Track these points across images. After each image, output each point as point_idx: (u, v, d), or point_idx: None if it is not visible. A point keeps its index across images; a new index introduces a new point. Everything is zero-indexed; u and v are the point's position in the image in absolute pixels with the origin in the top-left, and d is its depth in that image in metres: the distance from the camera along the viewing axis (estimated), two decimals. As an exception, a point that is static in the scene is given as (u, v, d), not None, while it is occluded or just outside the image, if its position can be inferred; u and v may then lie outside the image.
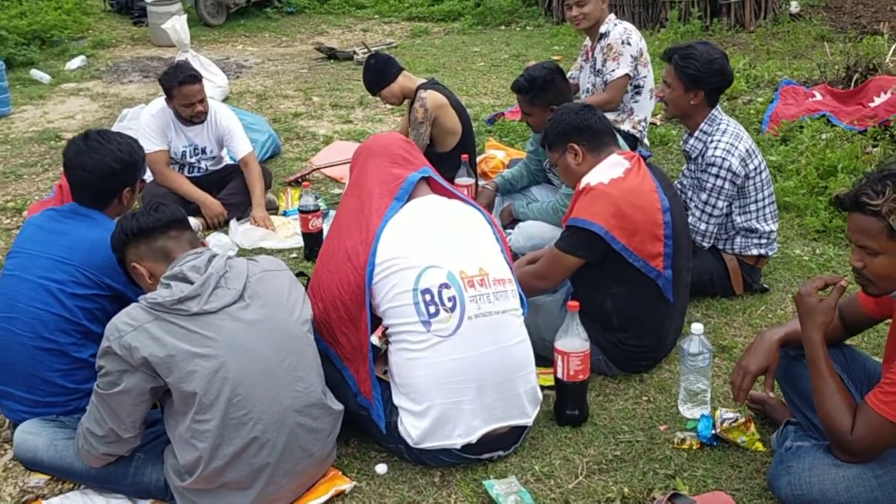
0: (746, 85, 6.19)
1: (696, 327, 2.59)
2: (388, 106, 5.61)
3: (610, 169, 2.78)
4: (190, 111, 4.34)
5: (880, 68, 5.55)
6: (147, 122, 4.42)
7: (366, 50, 8.98)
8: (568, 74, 4.80)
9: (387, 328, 2.42)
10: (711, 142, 3.23)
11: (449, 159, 4.53)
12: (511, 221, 4.06)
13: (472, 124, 4.66)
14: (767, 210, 3.34)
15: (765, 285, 3.45)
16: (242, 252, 4.21)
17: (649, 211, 2.73)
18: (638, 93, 4.42)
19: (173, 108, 4.38)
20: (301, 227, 4.11)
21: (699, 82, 3.22)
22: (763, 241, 3.36)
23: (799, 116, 5.13)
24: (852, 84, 5.54)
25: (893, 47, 5.88)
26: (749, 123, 5.43)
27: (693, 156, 3.33)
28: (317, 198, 4.49)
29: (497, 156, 5.15)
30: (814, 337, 2.03)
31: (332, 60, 9.04)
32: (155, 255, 2.26)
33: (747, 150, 3.25)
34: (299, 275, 3.88)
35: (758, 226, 3.34)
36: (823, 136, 4.79)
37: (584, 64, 4.66)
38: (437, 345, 2.31)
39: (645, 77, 4.41)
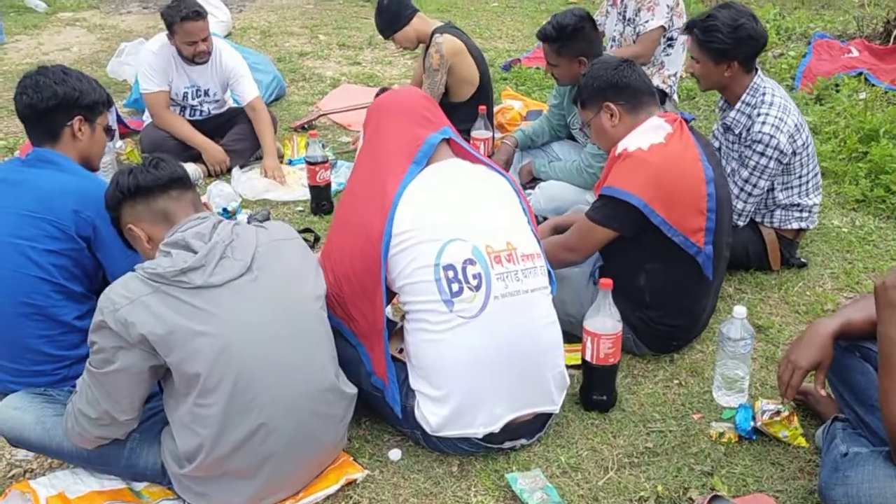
0: (777, 37, 5.87)
1: (739, 311, 2.39)
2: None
3: (650, 133, 2.54)
4: (192, 50, 4.06)
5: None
6: (147, 60, 4.14)
7: (375, -14, 8.59)
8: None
9: (403, 304, 2.22)
10: (758, 115, 2.97)
11: (465, 110, 4.28)
12: (531, 180, 3.83)
13: (489, 73, 4.39)
14: (811, 184, 3.11)
15: (802, 260, 3.24)
16: (245, 204, 3.98)
17: (692, 182, 2.50)
18: (671, 45, 4.14)
19: (175, 46, 4.10)
20: (308, 179, 3.88)
21: (729, 54, 2.94)
22: (805, 214, 3.13)
23: (834, 73, 4.85)
24: (891, 40, 5.23)
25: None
26: (781, 79, 5.14)
27: (736, 130, 3.07)
28: (324, 147, 4.25)
29: (514, 106, 4.88)
30: (892, 335, 1.82)
31: (339, -4, 8.65)
32: (154, 216, 2.04)
33: (796, 125, 3.00)
34: (305, 230, 3.69)
35: (800, 200, 3.11)
36: (861, 96, 4.52)
37: (611, 9, 4.36)
38: (460, 326, 2.11)
39: (678, 29, 4.12)
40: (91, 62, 6.30)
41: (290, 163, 4.44)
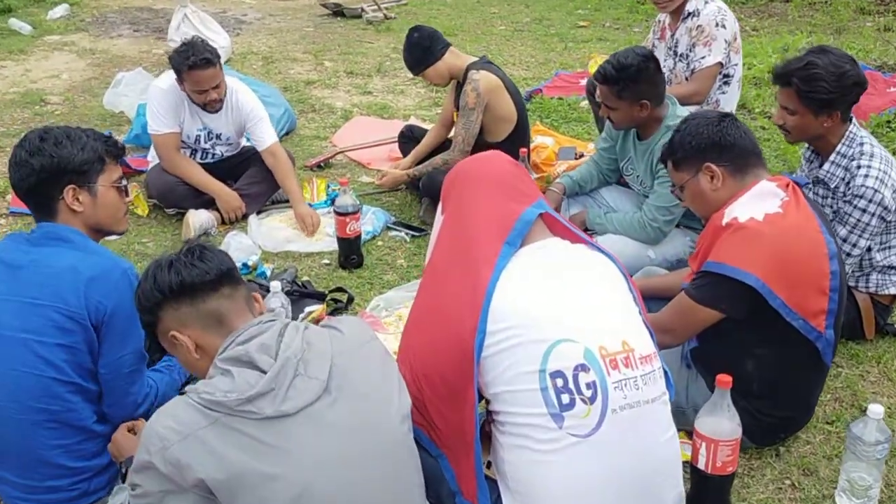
0: (812, 67, 5.59)
1: (875, 410, 2.07)
2: (410, 76, 4.89)
3: (762, 200, 2.22)
4: (203, 98, 3.67)
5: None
6: (157, 99, 3.76)
7: (375, 7, 8.27)
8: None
9: (497, 414, 1.86)
10: (859, 168, 2.66)
11: (501, 150, 3.91)
12: (583, 231, 3.49)
13: (526, 111, 4.06)
14: (907, 241, 2.81)
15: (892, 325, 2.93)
16: (266, 256, 3.61)
17: (814, 258, 2.18)
18: (727, 83, 3.83)
19: (185, 92, 3.72)
20: (337, 230, 3.51)
21: (833, 104, 2.64)
22: (903, 277, 2.83)
23: (886, 109, 4.58)
24: (939, 72, 4.98)
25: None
26: (826, 114, 4.86)
27: (832, 184, 2.76)
28: (356, 198, 3.88)
29: (547, 144, 4.55)
30: None
31: (338, 18, 8.31)
32: (204, 321, 1.67)
33: None
34: (337, 290, 3.33)
35: (898, 261, 2.81)
36: (919, 135, 4.25)
37: (659, 43, 4.05)
38: (572, 447, 1.76)
39: (736, 65, 3.82)
40: (83, 91, 5.90)
41: (311, 206, 4.07)
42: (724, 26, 3.69)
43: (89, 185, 2.09)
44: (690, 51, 3.78)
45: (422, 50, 3.85)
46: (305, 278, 3.44)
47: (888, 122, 4.48)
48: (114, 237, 3.05)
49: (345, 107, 5.64)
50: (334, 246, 3.63)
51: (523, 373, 1.78)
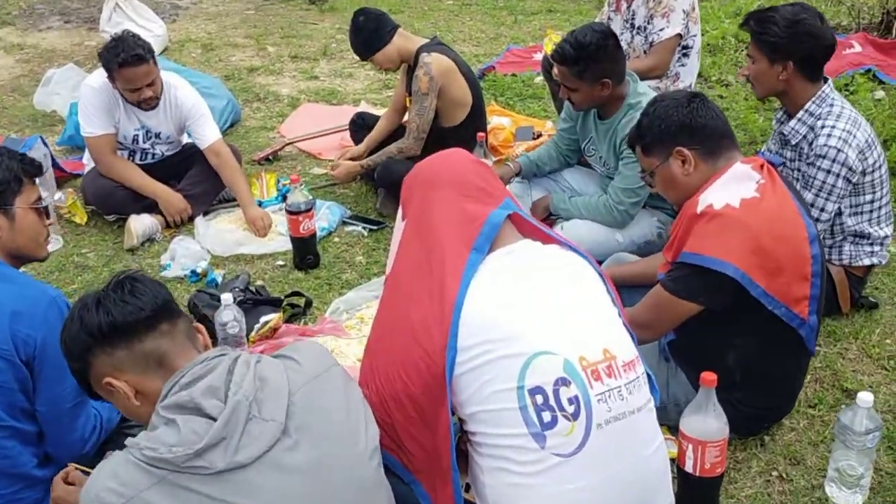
0: (766, 31, 5.52)
1: (865, 398, 1.98)
2: (358, 58, 4.69)
3: (737, 185, 2.10)
4: (136, 97, 3.43)
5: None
6: (88, 99, 3.51)
7: (317, -14, 7.98)
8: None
9: (474, 434, 1.73)
10: (823, 127, 2.59)
11: (457, 135, 3.78)
12: (546, 217, 3.37)
13: (482, 93, 3.90)
14: (883, 211, 2.73)
15: (872, 299, 2.86)
16: (216, 261, 3.42)
17: (795, 242, 2.07)
18: (686, 55, 3.71)
19: (117, 90, 3.48)
20: (290, 230, 3.33)
21: (783, 51, 2.58)
22: (876, 247, 2.76)
23: (843, 71, 4.52)
24: (893, 33, 4.93)
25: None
26: (783, 79, 4.79)
27: (794, 142, 2.68)
28: (306, 191, 3.69)
29: (504, 124, 4.41)
30: None
31: (279, -1, 8.02)
32: (142, 363, 1.50)
33: (867, 141, 2.62)
34: (294, 294, 3.16)
35: (871, 230, 2.73)
36: (878, 96, 4.19)
37: (614, 16, 3.91)
38: (556, 467, 1.64)
39: (695, 36, 3.70)
40: (12, 90, 5.58)
41: (261, 205, 3.87)
42: (681, -5, 3.57)
43: (6, 207, 1.90)
44: (648, 23, 3.65)
45: (369, 34, 3.66)
46: (259, 283, 3.26)
47: (846, 84, 4.41)
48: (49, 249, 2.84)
49: (291, 94, 5.42)
50: (288, 246, 3.45)
51: (500, 391, 1.65)
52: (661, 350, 2.33)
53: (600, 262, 3.12)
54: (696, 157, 2.17)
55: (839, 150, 2.55)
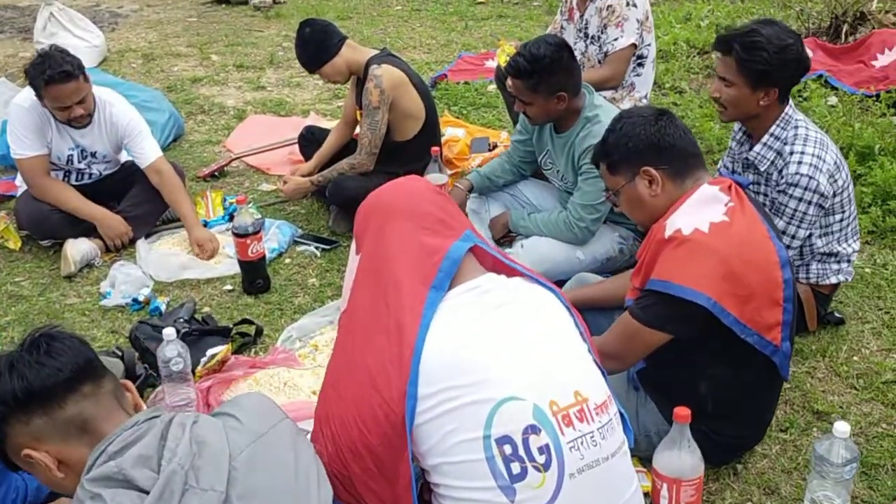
0: (718, 36, 5.50)
1: (841, 428, 1.91)
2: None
3: (705, 207, 2.02)
4: (66, 115, 3.23)
5: (870, 17, 4.96)
6: (18, 119, 3.30)
7: (262, -9, 7.79)
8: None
9: (437, 486, 1.61)
10: (791, 154, 2.51)
11: (410, 150, 3.67)
12: (505, 234, 3.26)
13: (435, 105, 3.79)
14: (850, 228, 2.69)
15: (838, 315, 2.81)
16: (159, 287, 3.24)
17: (766, 267, 2.00)
18: (641, 64, 3.65)
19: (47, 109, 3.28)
20: (238, 253, 3.17)
21: (771, 78, 2.47)
22: (843, 265, 2.71)
23: (795, 78, 4.49)
24: (843, 37, 4.95)
25: (879, -8, 5.30)
26: (737, 86, 4.76)
27: (762, 168, 2.60)
28: (255, 211, 3.54)
29: (458, 136, 4.30)
30: None
31: (223, 5, 7.81)
32: (64, 431, 1.35)
33: (835, 163, 2.56)
34: (244, 322, 3.00)
35: (839, 248, 2.68)
36: (831, 102, 4.18)
37: (567, 25, 3.83)
38: (528, 522, 1.53)
39: (649, 45, 3.63)
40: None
41: (207, 225, 3.70)
42: (634, 5, 3.50)
43: None
44: (602, 32, 3.58)
45: (315, 46, 3.52)
46: (206, 310, 3.10)
47: (799, 91, 4.40)
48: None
49: (237, 105, 5.24)
50: (237, 269, 3.28)
51: (465, 441, 1.53)
52: (629, 379, 2.24)
53: (563, 282, 3.10)
54: (664, 177, 2.08)
55: (811, 178, 2.48)
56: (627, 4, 3.48)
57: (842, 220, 2.64)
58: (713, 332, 1.99)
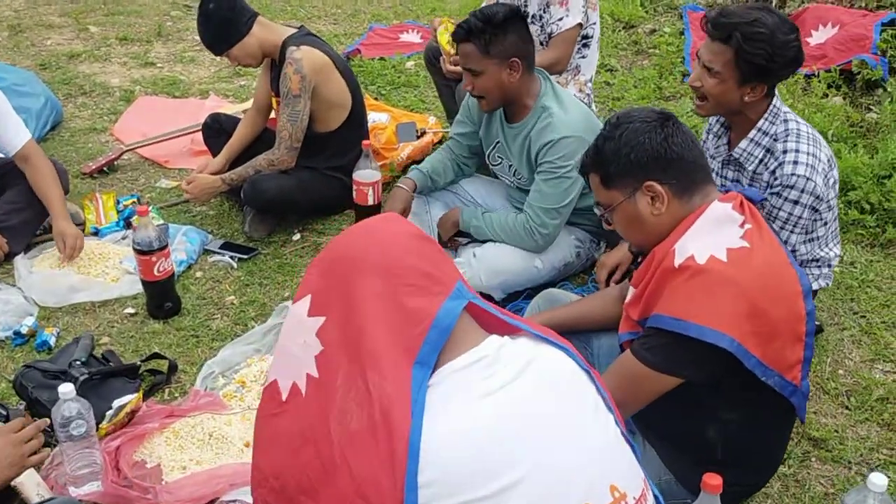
0: (643, 10, 5.28)
1: (878, 481, 1.67)
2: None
3: (719, 230, 1.73)
4: None
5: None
6: None
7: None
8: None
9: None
10: (785, 152, 2.26)
11: (336, 142, 3.27)
12: (455, 235, 2.91)
13: (361, 91, 3.38)
14: (831, 230, 2.48)
15: (815, 322, 2.61)
16: (46, 314, 2.74)
17: (790, 300, 1.73)
18: (586, 45, 3.34)
19: None
20: (141, 273, 2.70)
21: (765, 75, 2.21)
22: (824, 270, 2.51)
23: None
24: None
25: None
26: (671, 64, 4.55)
27: (751, 167, 2.35)
28: (158, 221, 3.06)
29: (383, 122, 3.89)
30: None
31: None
32: None
33: (829, 161, 2.33)
34: (153, 357, 2.54)
35: (821, 253, 2.47)
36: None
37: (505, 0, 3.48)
38: None
39: (594, 24, 3.32)
40: None
41: (98, 233, 3.19)
42: (580, -20, 3.18)
43: None
44: (544, 11, 3.24)
45: (222, 24, 3.04)
46: (106, 341, 2.63)
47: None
48: None
49: (123, 85, 4.64)
50: (139, 286, 2.81)
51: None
52: (626, 422, 1.95)
53: (520, 293, 2.79)
54: (670, 193, 1.77)
55: (808, 179, 2.24)
56: (573, -20, 3.16)
57: (826, 225, 2.43)
58: (729, 372, 1.72)
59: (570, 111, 2.64)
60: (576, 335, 2.27)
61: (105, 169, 3.68)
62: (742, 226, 1.74)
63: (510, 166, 2.87)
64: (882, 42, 4.05)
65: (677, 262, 1.71)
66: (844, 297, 2.79)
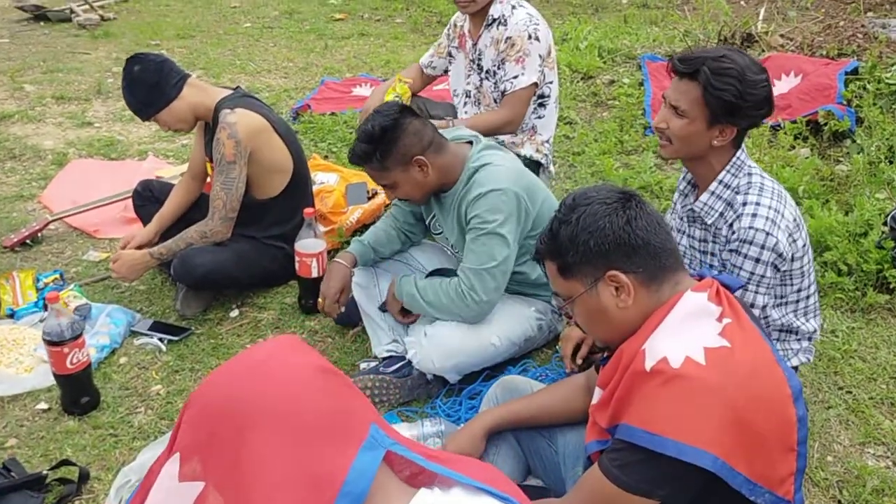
0: (601, 60, 5.15)
1: None
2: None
3: (695, 325, 1.51)
4: None
5: (758, 39, 4.72)
6: None
7: (86, 6, 6.84)
8: (423, 60, 3.44)
9: None
10: (745, 205, 2.08)
11: (276, 210, 3.03)
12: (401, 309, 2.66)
13: (303, 154, 3.14)
14: (811, 301, 2.28)
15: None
16: (-55, 414, 2.43)
17: (779, 405, 1.50)
18: (542, 105, 3.15)
19: None
20: (53, 366, 2.41)
21: (735, 114, 2.03)
22: (804, 343, 2.31)
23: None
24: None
25: (762, 11, 5.08)
26: (631, 116, 4.39)
27: (709, 221, 2.17)
28: (81, 294, 2.78)
29: (331, 184, 3.66)
30: None
31: (41, 23, 6.80)
32: None
33: (795, 220, 2.15)
34: (61, 464, 2.24)
35: (798, 322, 2.27)
36: (735, 136, 3.85)
37: (457, 53, 3.29)
38: None
39: (551, 83, 3.14)
40: None
41: (14, 315, 2.89)
42: (537, 38, 2.99)
43: None
44: (499, 67, 3.05)
45: (148, 88, 2.80)
46: (12, 444, 2.33)
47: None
48: None
49: (56, 147, 4.37)
50: (51, 379, 2.51)
51: None
52: None
53: (478, 373, 2.54)
54: (636, 283, 1.55)
55: (768, 234, 2.05)
56: (529, 38, 2.97)
57: (800, 291, 2.22)
58: (712, 489, 1.48)
59: (499, 164, 2.42)
60: (539, 431, 2.05)
61: (28, 241, 3.39)
62: (720, 320, 1.52)
63: (447, 239, 2.66)
64: (847, 92, 3.94)
65: (648, 364, 1.48)
66: (827, 369, 2.59)
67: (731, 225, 2.12)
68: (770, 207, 2.08)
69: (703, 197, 2.18)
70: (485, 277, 2.40)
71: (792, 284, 2.22)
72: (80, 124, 4.67)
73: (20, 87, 5.19)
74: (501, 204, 2.36)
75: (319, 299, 2.69)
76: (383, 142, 2.37)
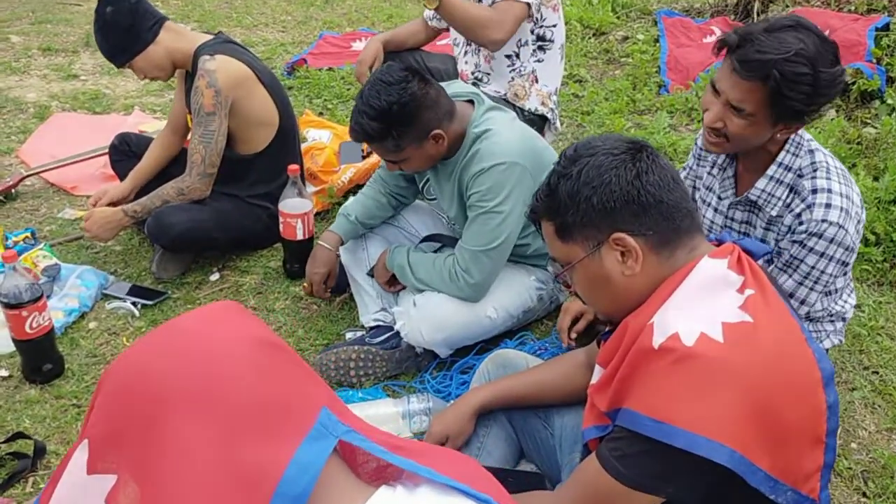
0: (615, 15, 4.88)
1: None
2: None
3: (712, 297, 1.30)
4: None
5: (781, -6, 4.45)
6: None
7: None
8: (427, 13, 3.20)
9: None
10: (815, 192, 1.82)
11: (260, 166, 2.83)
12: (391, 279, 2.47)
13: (291, 105, 2.92)
14: (849, 277, 2.06)
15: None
16: None
17: (808, 390, 1.30)
18: (542, 49, 2.91)
19: None
20: (11, 330, 2.23)
21: (805, 115, 1.79)
22: (838, 325, 2.10)
23: (710, 64, 3.92)
24: (754, 15, 4.41)
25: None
26: (645, 74, 4.14)
27: (772, 212, 1.92)
28: (52, 254, 2.59)
29: (323, 141, 3.45)
30: None
31: (34, -28, 6.54)
32: None
33: (860, 203, 1.91)
34: (16, 437, 2.07)
35: (836, 307, 2.06)
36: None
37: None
38: None
39: (554, 27, 2.90)
40: None
41: (-20, 275, 2.71)
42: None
43: None
44: (493, -8, 2.81)
45: (122, 32, 2.59)
46: (-35, 416, 2.16)
47: (716, 80, 3.81)
48: None
49: (39, 100, 4.16)
50: (11, 348, 2.34)
51: None
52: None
53: (472, 347, 2.35)
54: (645, 247, 1.34)
55: (840, 227, 1.80)
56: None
57: (846, 275, 2.01)
58: (727, 488, 1.28)
59: (502, 133, 2.17)
60: (534, 411, 1.85)
61: (1, 197, 3.20)
62: (742, 291, 1.32)
63: (443, 209, 2.45)
64: (877, 49, 3.68)
65: (657, 341, 1.28)
66: (852, 347, 2.38)
67: (798, 215, 1.85)
68: (841, 195, 1.84)
69: (761, 183, 1.92)
70: (481, 259, 2.20)
71: (845, 274, 2.00)
72: (65, 77, 4.45)
73: (6, 38, 4.97)
74: (505, 179, 2.13)
75: (304, 284, 2.51)
76: (400, 120, 2.08)
